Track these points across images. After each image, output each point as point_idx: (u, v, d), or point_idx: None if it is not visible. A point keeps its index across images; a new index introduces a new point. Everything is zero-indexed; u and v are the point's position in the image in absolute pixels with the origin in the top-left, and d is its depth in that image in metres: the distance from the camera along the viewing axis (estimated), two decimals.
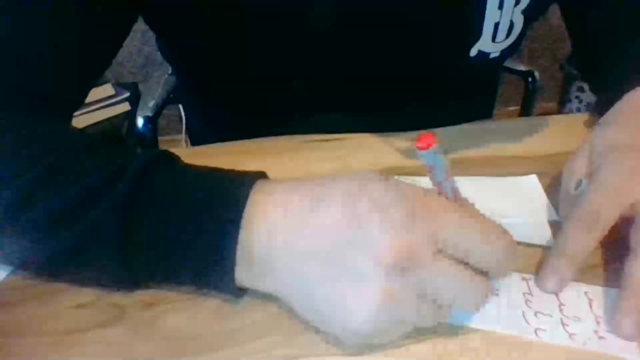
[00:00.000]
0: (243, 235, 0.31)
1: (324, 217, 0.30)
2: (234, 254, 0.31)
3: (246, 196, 0.32)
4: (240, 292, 0.33)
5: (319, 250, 0.30)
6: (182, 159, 0.36)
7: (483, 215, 0.31)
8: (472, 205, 0.32)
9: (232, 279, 0.32)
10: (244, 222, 0.31)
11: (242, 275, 0.32)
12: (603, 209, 0.36)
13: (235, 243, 0.31)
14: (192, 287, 0.35)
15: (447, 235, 0.29)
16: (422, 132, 0.29)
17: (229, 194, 0.32)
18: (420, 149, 0.28)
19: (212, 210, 0.32)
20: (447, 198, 0.31)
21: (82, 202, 0.32)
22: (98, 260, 0.33)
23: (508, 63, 1.04)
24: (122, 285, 0.35)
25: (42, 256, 0.34)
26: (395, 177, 0.32)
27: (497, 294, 0.35)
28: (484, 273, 0.30)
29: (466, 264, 0.30)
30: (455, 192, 0.31)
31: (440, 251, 0.29)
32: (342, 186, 0.31)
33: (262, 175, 0.35)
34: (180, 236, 0.32)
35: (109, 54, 0.49)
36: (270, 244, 0.31)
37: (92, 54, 0.47)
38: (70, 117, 0.48)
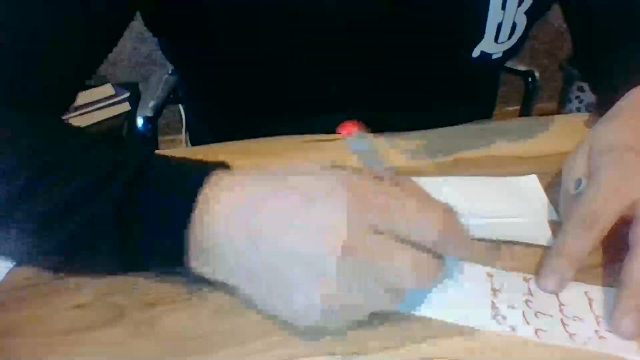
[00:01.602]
0: (197, 225, 0.32)
1: (278, 202, 0.31)
2: (186, 243, 0.32)
3: (199, 187, 0.33)
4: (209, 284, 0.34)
5: (271, 235, 0.31)
6: (181, 159, 0.36)
7: (423, 192, 0.32)
8: (412, 182, 0.33)
9: (188, 267, 0.33)
10: (198, 211, 0.32)
11: (200, 266, 0.33)
12: (602, 209, 0.36)
13: (187, 233, 0.32)
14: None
15: (385, 217, 0.30)
16: (346, 122, 0.31)
17: (187, 185, 0.33)
18: (345, 136, 0.30)
19: (173, 205, 0.33)
20: (382, 180, 0.32)
21: (82, 196, 0.33)
22: (98, 253, 0.34)
23: (508, 63, 1.03)
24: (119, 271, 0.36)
25: (41, 250, 0.35)
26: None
27: (498, 295, 0.35)
28: (433, 253, 0.31)
29: (410, 242, 0.30)
30: (389, 174, 0.32)
31: (381, 233, 0.30)
32: (296, 173, 0.32)
33: (222, 165, 0.35)
34: (154, 228, 0.33)
35: (103, 51, 0.49)
36: (224, 231, 0.32)
37: (87, 51, 0.46)
38: (62, 113, 0.48)
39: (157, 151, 0.39)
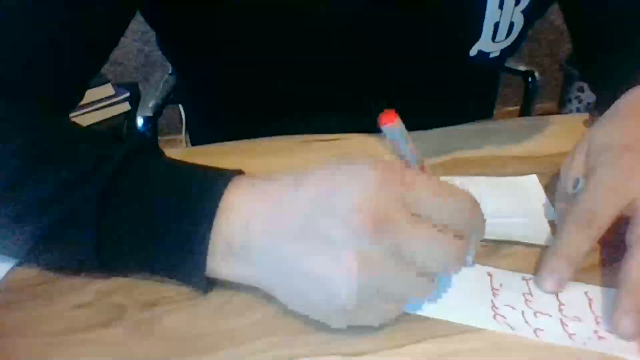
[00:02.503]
0: (221, 226, 0.32)
1: (300, 194, 0.31)
2: (206, 246, 0.32)
3: (223, 189, 0.33)
4: (208, 285, 0.34)
5: (296, 225, 0.30)
6: (181, 158, 0.36)
7: (447, 182, 0.32)
8: (437, 177, 0.33)
9: (202, 270, 0.32)
10: (221, 213, 0.32)
11: (219, 266, 0.33)
12: (600, 208, 0.36)
13: (209, 234, 0.32)
14: (163, 276, 0.35)
15: (416, 198, 0.30)
16: (386, 110, 0.31)
17: (206, 187, 0.33)
18: (384, 124, 0.31)
19: (186, 202, 0.33)
20: (413, 169, 0.33)
21: (65, 188, 0.33)
22: (74, 243, 0.34)
23: (508, 63, 1.04)
24: (97, 271, 0.35)
25: (23, 240, 0.34)
26: None
27: (497, 295, 0.35)
28: (459, 236, 0.31)
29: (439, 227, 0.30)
30: (420, 164, 0.33)
31: (413, 215, 0.30)
32: (316, 171, 0.32)
33: (240, 172, 0.35)
34: (155, 225, 0.33)
35: (105, 50, 0.49)
36: (248, 231, 0.32)
37: (88, 50, 0.46)
38: (67, 113, 0.48)
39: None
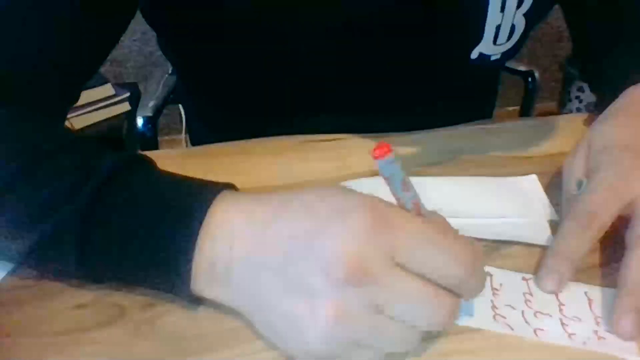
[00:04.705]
0: (203, 245, 0.31)
1: (283, 228, 0.30)
2: (191, 264, 0.31)
3: (207, 207, 0.32)
4: (197, 300, 0.33)
5: (276, 260, 0.29)
6: (181, 159, 0.36)
7: (450, 229, 0.30)
8: (441, 218, 0.31)
9: (188, 289, 0.32)
10: (204, 232, 0.31)
11: (202, 286, 0.32)
12: (600, 208, 0.36)
13: (192, 253, 0.31)
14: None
15: (406, 248, 0.28)
16: (380, 142, 0.28)
17: (191, 204, 0.32)
18: (377, 157, 0.28)
19: (171, 220, 0.32)
20: (406, 210, 0.30)
21: (49, 204, 0.32)
22: (57, 261, 0.33)
23: (508, 63, 1.04)
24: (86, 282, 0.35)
25: (6, 255, 0.34)
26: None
27: (497, 295, 0.35)
28: (451, 290, 0.29)
29: (429, 280, 0.28)
30: (416, 204, 0.30)
31: (399, 265, 0.28)
32: (304, 197, 0.31)
33: (229, 186, 0.34)
34: (139, 244, 0.32)
35: (103, 52, 0.48)
36: (231, 254, 0.31)
37: (86, 52, 0.46)
38: (63, 114, 0.48)
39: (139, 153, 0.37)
